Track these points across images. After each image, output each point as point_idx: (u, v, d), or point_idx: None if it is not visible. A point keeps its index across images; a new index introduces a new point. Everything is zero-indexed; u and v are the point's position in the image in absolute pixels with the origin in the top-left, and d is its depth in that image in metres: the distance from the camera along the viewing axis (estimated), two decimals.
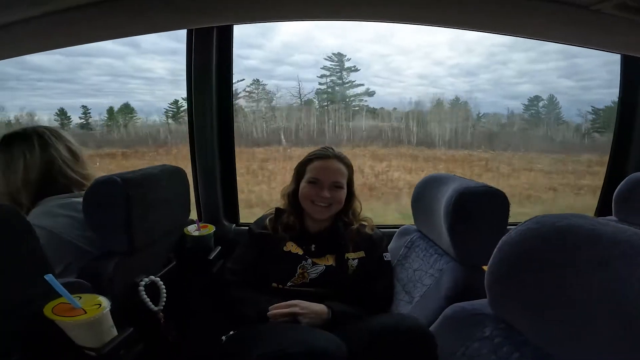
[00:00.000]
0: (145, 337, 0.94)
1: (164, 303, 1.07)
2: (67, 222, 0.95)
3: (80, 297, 0.71)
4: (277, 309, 1.00)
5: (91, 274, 0.90)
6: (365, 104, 5.16)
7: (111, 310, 0.73)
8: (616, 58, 1.72)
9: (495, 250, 0.58)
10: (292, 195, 1.21)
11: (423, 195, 1.17)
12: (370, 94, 5.14)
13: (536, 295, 0.51)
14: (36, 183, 1.00)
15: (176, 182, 1.18)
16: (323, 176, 1.15)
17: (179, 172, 1.20)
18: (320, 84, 5.15)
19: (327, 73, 5.09)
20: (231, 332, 1.01)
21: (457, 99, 5.20)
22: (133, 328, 0.77)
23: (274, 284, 1.13)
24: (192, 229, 1.29)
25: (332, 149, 1.21)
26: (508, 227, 0.92)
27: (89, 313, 0.67)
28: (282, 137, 5.06)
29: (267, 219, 1.23)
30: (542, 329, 0.53)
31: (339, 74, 5.09)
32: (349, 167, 1.20)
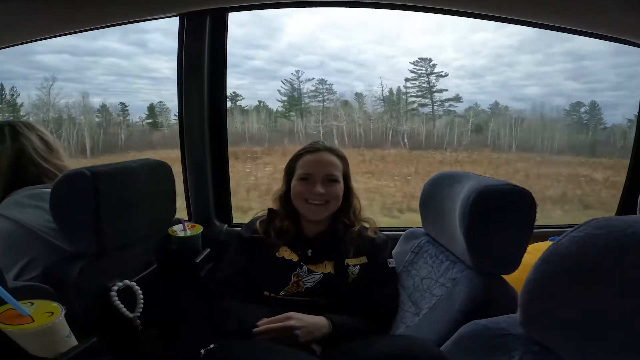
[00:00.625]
0: (119, 347, 0.85)
1: (141, 309, 0.97)
2: (35, 213, 0.90)
3: (33, 303, 0.64)
4: (268, 324, 0.88)
5: (55, 278, 0.81)
6: (455, 109, 5.21)
7: (78, 317, 0.66)
8: (627, 61, 1.62)
9: (539, 261, 0.46)
10: (285, 198, 1.10)
11: (433, 195, 1.05)
12: (458, 99, 5.21)
13: (595, 316, 0.40)
14: (6, 172, 0.97)
15: (159, 178, 1.08)
16: (314, 170, 1.03)
17: (162, 167, 1.10)
18: (404, 87, 5.24)
19: (411, 76, 5.17)
20: (211, 346, 0.89)
21: (496, 103, 5.26)
22: (96, 338, 0.69)
23: (266, 293, 1.01)
24: (177, 229, 1.18)
25: (323, 142, 1.10)
26: (535, 231, 0.80)
27: (37, 321, 0.60)
28: (405, 140, 5.09)
29: (258, 222, 1.11)
30: (598, 355, 0.41)
31: (424, 78, 5.14)
32: (343, 160, 1.09)
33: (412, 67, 5.13)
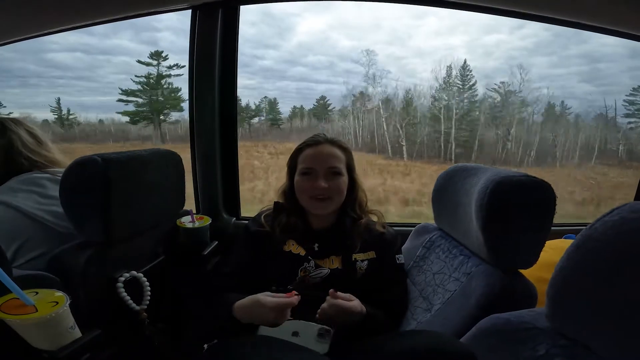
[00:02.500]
0: (124, 340, 0.83)
1: (147, 302, 0.95)
2: (27, 196, 0.92)
3: (37, 293, 0.63)
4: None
5: (60, 267, 0.79)
6: None
7: (84, 309, 0.66)
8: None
9: (571, 249, 0.43)
10: (289, 193, 1.06)
11: (446, 188, 1.02)
12: None
13: (634, 303, 0.37)
14: None
15: (169, 168, 1.07)
16: (316, 164, 1.00)
17: (172, 157, 1.08)
18: (625, 104, 6.00)
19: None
20: (215, 341, 0.86)
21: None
22: (100, 330, 0.67)
23: (273, 288, 0.98)
24: (186, 221, 1.17)
25: (324, 134, 1.06)
26: (553, 228, 0.77)
27: (40, 311, 0.58)
28: None
29: (263, 216, 1.08)
30: (636, 347, 0.38)
31: None
32: (346, 151, 1.05)
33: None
